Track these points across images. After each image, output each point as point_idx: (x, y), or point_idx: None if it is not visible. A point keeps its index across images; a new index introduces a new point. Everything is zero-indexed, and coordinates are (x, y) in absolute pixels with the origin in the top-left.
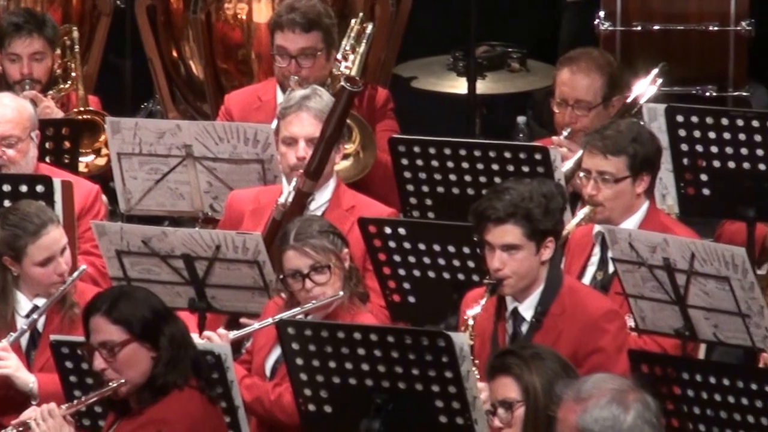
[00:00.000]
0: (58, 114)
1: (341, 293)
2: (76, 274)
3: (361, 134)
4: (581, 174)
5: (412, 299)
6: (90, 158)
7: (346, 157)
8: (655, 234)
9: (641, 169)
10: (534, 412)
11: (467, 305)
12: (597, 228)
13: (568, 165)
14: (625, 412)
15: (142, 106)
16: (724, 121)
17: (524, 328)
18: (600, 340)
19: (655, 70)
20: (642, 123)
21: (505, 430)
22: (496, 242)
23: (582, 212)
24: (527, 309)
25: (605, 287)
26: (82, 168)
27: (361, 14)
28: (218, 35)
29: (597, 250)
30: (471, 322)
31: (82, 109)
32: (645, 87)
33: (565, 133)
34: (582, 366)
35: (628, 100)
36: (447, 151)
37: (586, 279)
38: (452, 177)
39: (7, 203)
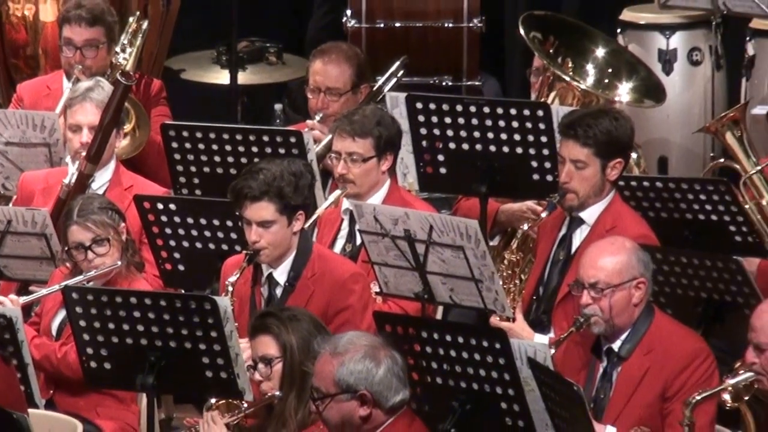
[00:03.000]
0: None
1: (119, 263)
2: None
3: (136, 115)
4: (332, 155)
5: (181, 268)
6: None
7: (123, 136)
8: (397, 208)
9: (385, 149)
10: (290, 367)
11: (226, 272)
12: (345, 205)
13: (320, 146)
14: (377, 366)
15: None
16: (459, 108)
17: (279, 291)
18: (347, 299)
19: (397, 63)
20: (384, 109)
21: (265, 383)
22: (253, 218)
23: (334, 194)
24: (281, 274)
25: (353, 258)
26: None
27: (137, 13)
28: (8, 33)
29: (345, 225)
30: (231, 288)
31: None
32: (388, 77)
33: (317, 117)
34: (332, 322)
35: (374, 89)
36: (212, 136)
37: (336, 250)
38: (217, 158)
39: None
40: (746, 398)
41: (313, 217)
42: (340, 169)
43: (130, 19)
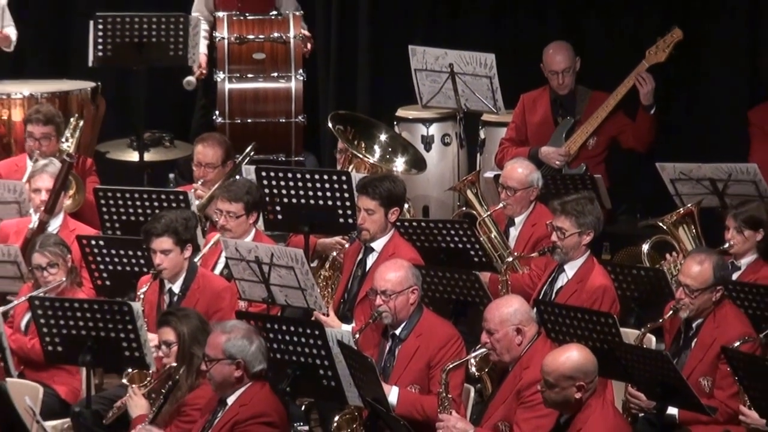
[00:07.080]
0: None
1: (64, 279)
2: None
3: (76, 185)
4: (216, 211)
5: (108, 283)
6: None
7: (68, 197)
8: (250, 242)
9: (252, 209)
10: (183, 349)
11: (140, 285)
12: (215, 238)
13: (202, 201)
14: (251, 344)
15: None
16: (290, 175)
17: (175, 298)
18: (221, 303)
19: (249, 148)
20: (252, 180)
21: (166, 359)
22: (157, 248)
23: (214, 239)
24: (177, 287)
25: (229, 279)
26: None
27: (76, 114)
28: None
29: (224, 255)
30: (142, 297)
31: None
32: (244, 157)
33: (200, 183)
34: (211, 319)
35: (236, 164)
36: (128, 195)
37: (216, 272)
38: (131, 210)
39: None
40: (486, 369)
41: (199, 255)
42: (221, 221)
43: (71, 119)
